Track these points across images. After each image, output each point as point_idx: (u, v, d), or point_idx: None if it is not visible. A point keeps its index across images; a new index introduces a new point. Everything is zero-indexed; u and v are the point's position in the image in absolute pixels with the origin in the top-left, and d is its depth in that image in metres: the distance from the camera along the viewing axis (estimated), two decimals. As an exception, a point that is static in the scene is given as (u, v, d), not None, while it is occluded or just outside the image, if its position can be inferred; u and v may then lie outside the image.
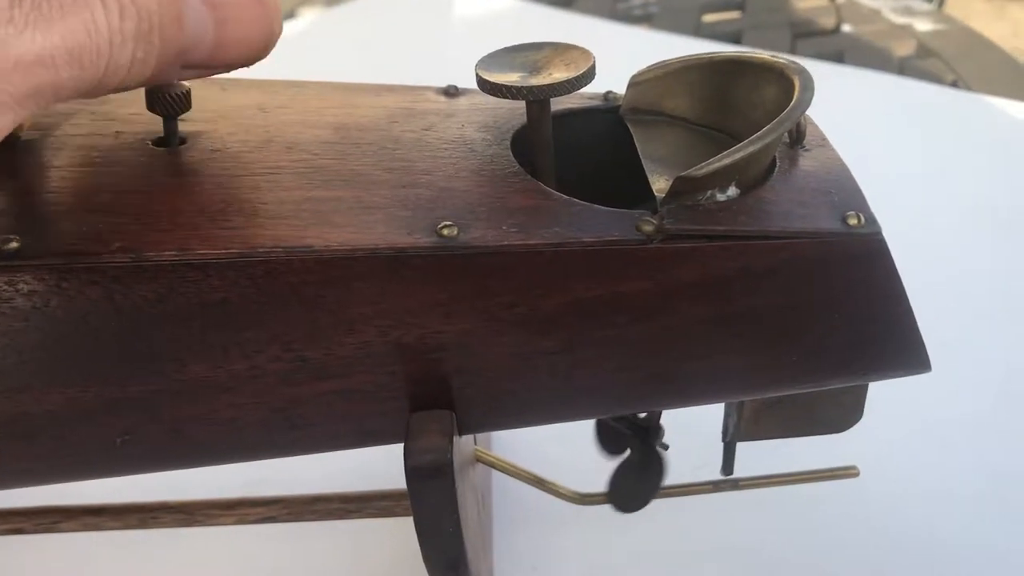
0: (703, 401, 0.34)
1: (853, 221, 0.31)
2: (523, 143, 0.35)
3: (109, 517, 0.42)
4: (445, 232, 0.30)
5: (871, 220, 0.32)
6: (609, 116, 0.38)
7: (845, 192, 0.33)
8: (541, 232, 0.30)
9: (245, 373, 0.31)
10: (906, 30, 1.08)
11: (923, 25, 1.09)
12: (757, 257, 0.31)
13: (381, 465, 0.49)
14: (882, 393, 0.52)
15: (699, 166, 0.31)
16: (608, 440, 0.42)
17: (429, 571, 0.34)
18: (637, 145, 0.36)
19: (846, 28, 1.10)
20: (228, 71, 0.30)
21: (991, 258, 0.68)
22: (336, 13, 1.12)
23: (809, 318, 0.32)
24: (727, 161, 0.31)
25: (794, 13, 1.15)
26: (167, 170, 0.32)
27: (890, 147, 0.79)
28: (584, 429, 0.41)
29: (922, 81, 0.93)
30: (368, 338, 0.30)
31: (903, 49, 1.03)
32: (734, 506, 0.47)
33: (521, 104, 0.36)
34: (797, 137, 0.35)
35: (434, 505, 0.31)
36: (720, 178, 0.31)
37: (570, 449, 0.43)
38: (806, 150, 0.35)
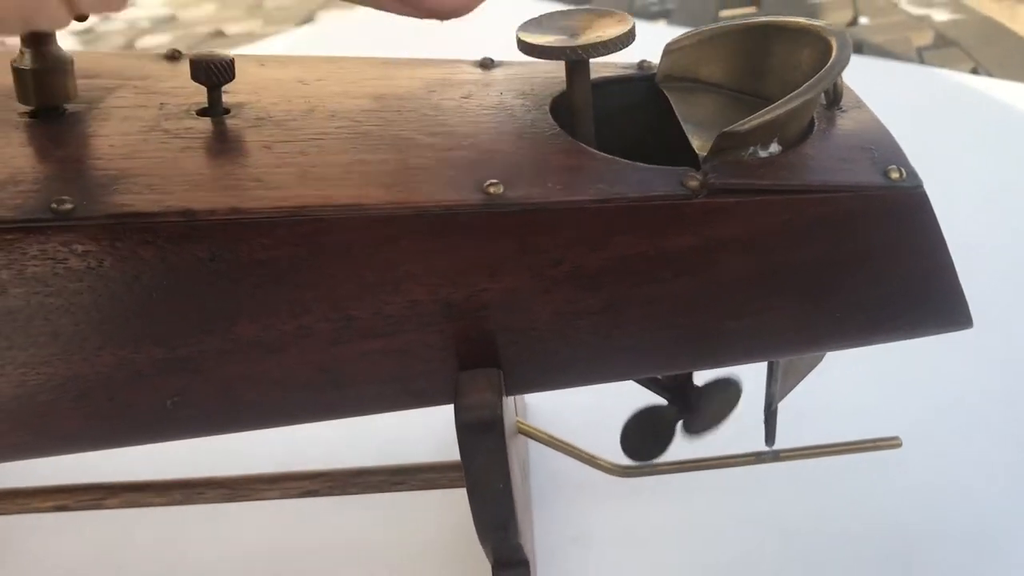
0: (744, 360, 0.34)
1: (895, 175, 0.32)
2: (561, 109, 0.35)
3: (154, 493, 0.42)
4: (491, 190, 0.30)
5: (912, 174, 0.32)
6: (644, 84, 0.38)
7: (885, 148, 0.33)
8: (586, 188, 0.31)
9: (294, 332, 0.31)
10: (924, 20, 1.08)
11: (941, 15, 1.09)
12: (800, 211, 0.31)
13: (420, 438, 0.49)
14: (920, 363, 0.52)
15: (742, 121, 0.31)
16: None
17: (479, 532, 0.34)
18: (675, 109, 0.36)
19: (863, 20, 1.10)
20: (425, 16, 0.31)
21: (1013, 239, 0.68)
22: (355, 16, 1.13)
23: (851, 272, 0.32)
24: (770, 116, 0.31)
25: (811, 6, 1.15)
26: (214, 137, 0.33)
27: (912, 136, 0.79)
28: (626, 401, 0.41)
29: (942, 69, 0.93)
30: (416, 297, 0.31)
31: (921, 39, 1.04)
32: (775, 479, 0.47)
33: (557, 72, 0.37)
34: (834, 98, 0.35)
35: (485, 461, 0.31)
36: (762, 134, 0.31)
37: (611, 421, 0.43)
38: (843, 111, 0.35)
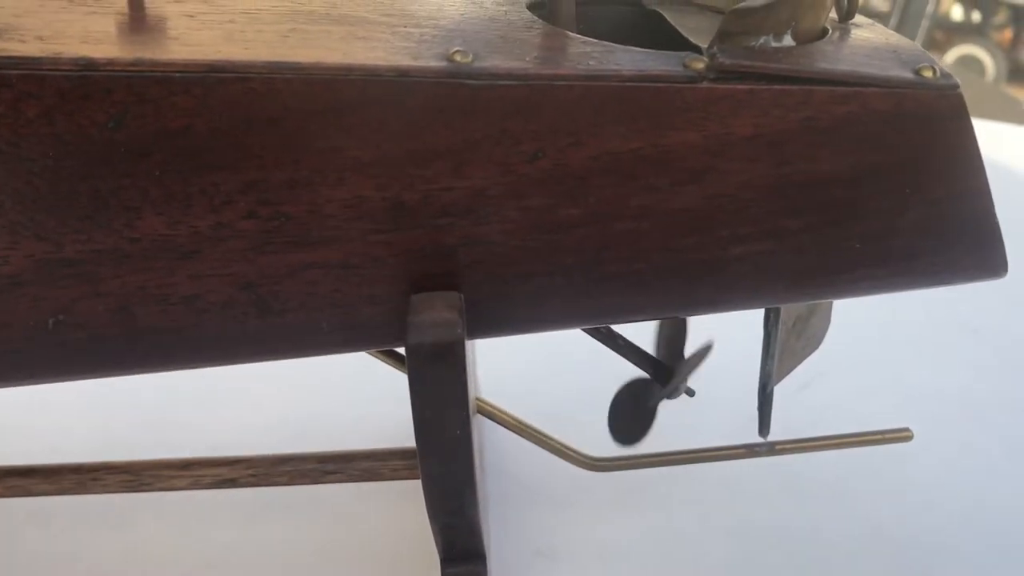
0: (747, 302, 0.29)
1: (928, 73, 0.27)
2: (537, 11, 0.31)
3: (40, 479, 0.35)
4: (458, 57, 0.25)
5: (947, 75, 0.27)
6: (629, 9, 0.34)
7: (912, 52, 0.28)
8: (571, 64, 0.26)
9: (210, 232, 0.25)
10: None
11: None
12: (821, 107, 0.26)
13: (364, 424, 0.43)
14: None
15: (755, -3, 0.26)
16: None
17: (428, 504, 0.28)
18: (670, 21, 0.31)
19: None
20: None
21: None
22: None
23: (876, 191, 0.27)
24: (789, -8, 0.26)
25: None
26: (128, 5, 0.27)
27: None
28: (600, 386, 0.36)
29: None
30: (362, 192, 0.25)
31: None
32: (769, 479, 0.41)
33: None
34: (848, 12, 0.31)
35: (439, 397, 0.25)
36: (778, 17, 0.27)
37: (582, 410, 0.37)
38: (857, 26, 0.31)
